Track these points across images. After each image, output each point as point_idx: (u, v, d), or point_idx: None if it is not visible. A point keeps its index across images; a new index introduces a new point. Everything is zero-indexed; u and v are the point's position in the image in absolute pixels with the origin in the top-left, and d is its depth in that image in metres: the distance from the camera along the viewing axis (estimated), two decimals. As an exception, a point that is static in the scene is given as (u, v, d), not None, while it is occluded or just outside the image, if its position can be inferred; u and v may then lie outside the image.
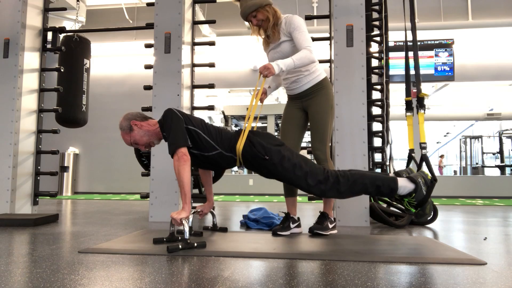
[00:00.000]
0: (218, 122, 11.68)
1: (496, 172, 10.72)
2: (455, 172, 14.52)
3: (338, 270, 1.51)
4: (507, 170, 10.38)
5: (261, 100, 2.50)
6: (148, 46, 3.48)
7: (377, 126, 3.70)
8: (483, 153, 11.17)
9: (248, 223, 2.88)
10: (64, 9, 4.00)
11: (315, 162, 2.49)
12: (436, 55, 8.11)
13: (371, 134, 3.60)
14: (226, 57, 8.59)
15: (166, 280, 1.35)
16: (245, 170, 9.75)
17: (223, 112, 10.87)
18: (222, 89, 9.87)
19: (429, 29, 7.79)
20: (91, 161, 8.83)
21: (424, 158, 2.43)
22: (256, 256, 1.77)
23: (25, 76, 3.51)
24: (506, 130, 11.41)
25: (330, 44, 3.23)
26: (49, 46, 3.83)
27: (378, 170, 3.72)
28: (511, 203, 5.87)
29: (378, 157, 3.81)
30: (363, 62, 3.04)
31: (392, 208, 3.37)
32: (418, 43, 2.75)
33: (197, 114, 3.05)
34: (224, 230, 2.52)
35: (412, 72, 2.73)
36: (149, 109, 3.36)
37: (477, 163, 11.19)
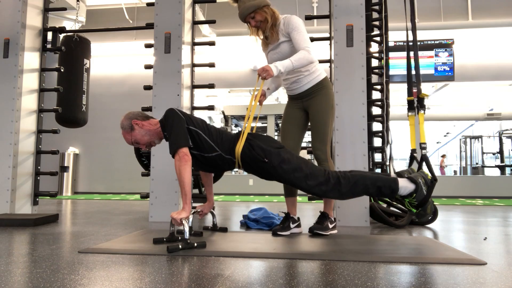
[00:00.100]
0: (218, 122, 11.68)
1: (496, 172, 10.72)
2: (455, 172, 14.52)
3: (338, 270, 1.51)
4: (507, 170, 10.38)
5: (260, 102, 2.50)
6: (148, 46, 3.48)
7: (377, 126, 3.70)
8: (483, 153, 11.17)
9: (248, 223, 2.88)
10: (64, 9, 4.01)
11: (315, 162, 2.49)
12: (436, 55, 8.11)
13: (371, 134, 3.60)
14: (226, 57, 8.59)
15: (166, 280, 1.35)
16: (245, 170, 9.73)
17: (223, 112, 10.87)
18: (222, 89, 9.87)
19: (429, 29, 7.79)
20: (91, 161, 8.83)
21: (424, 158, 2.43)
22: (256, 256, 1.77)
23: (25, 76, 3.51)
24: (506, 130, 11.41)
25: (330, 44, 3.23)
26: (49, 46, 3.83)
27: (378, 170, 3.72)
28: (511, 203, 5.87)
29: (378, 157, 3.81)
30: (363, 62, 3.04)
31: (392, 208, 3.37)
32: (418, 43, 2.75)
33: (197, 114, 3.06)
34: (224, 230, 2.52)
35: (413, 72, 2.74)
36: (149, 109, 3.36)
37: (477, 163, 11.19)
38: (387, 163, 3.57)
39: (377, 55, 3.70)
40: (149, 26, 3.45)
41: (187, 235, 1.91)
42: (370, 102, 3.58)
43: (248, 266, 1.58)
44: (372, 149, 3.58)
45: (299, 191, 2.49)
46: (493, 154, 11.30)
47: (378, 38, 3.69)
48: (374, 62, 3.77)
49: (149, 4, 3.58)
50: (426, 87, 9.05)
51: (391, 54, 3.88)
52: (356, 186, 2.04)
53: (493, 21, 7.76)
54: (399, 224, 2.88)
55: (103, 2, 8.69)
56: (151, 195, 3.20)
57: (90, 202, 5.91)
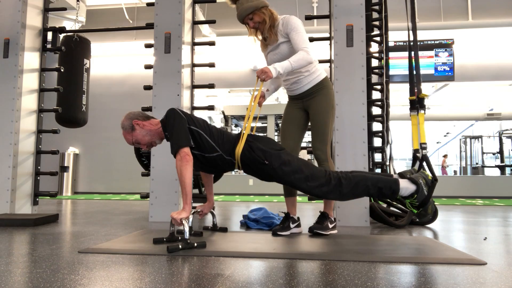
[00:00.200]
0: (218, 122, 11.69)
1: (496, 172, 10.72)
2: (455, 172, 14.52)
3: (338, 270, 1.51)
4: (507, 170, 10.38)
5: (259, 104, 2.49)
6: (148, 46, 3.48)
7: (377, 126, 3.70)
8: (483, 153, 11.18)
9: (248, 223, 2.88)
10: (64, 9, 4.01)
11: (315, 162, 2.49)
12: (436, 55, 8.11)
13: (371, 134, 3.60)
14: (226, 57, 8.60)
15: (166, 280, 1.35)
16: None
17: (223, 112, 10.87)
18: (222, 89, 9.88)
19: (429, 29, 7.79)
20: (91, 161, 8.83)
21: (425, 158, 2.43)
22: (256, 256, 1.77)
23: (25, 76, 3.51)
24: (506, 130, 11.41)
25: (330, 44, 3.23)
26: (49, 46, 3.83)
27: (378, 170, 3.72)
28: (511, 203, 5.87)
29: (378, 157, 3.82)
30: (363, 62, 3.04)
31: (392, 208, 3.37)
32: (418, 43, 2.75)
33: (197, 114, 3.05)
34: (224, 230, 2.52)
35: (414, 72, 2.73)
36: (149, 109, 3.36)
37: (477, 163, 11.19)
38: (387, 163, 3.57)
39: (377, 55, 3.70)
40: (149, 26, 3.45)
41: (187, 235, 1.91)
42: (370, 102, 3.58)
43: (248, 266, 1.58)
44: (372, 149, 3.58)
45: (299, 191, 2.49)
46: (493, 154, 11.31)
47: (378, 38, 3.69)
48: (374, 62, 3.77)
49: (149, 4, 3.58)
50: (426, 87, 9.06)
51: (391, 54, 3.88)
52: (357, 187, 2.03)
53: (493, 21, 7.76)
54: (399, 224, 2.88)
55: (103, 2, 8.70)
56: (151, 195, 3.20)
57: (90, 202, 5.91)
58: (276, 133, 10.50)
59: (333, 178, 2.04)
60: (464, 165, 11.73)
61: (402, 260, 1.68)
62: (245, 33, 2.53)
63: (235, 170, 2.27)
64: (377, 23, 3.75)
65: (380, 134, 3.60)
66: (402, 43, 7.98)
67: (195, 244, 1.90)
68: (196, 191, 3.99)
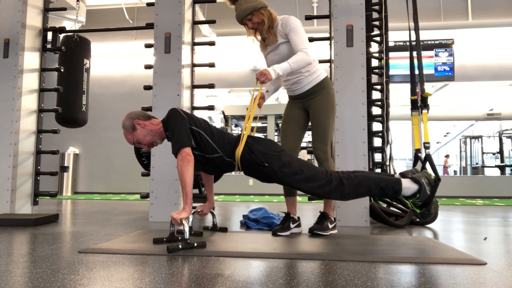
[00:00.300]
0: (218, 122, 11.68)
1: (496, 172, 10.72)
2: (455, 172, 14.52)
3: (338, 270, 1.51)
4: (507, 170, 10.38)
5: (259, 105, 2.49)
6: (148, 46, 3.48)
7: (377, 126, 3.70)
8: (483, 153, 11.17)
9: (248, 223, 2.88)
10: (64, 9, 4.01)
11: (316, 162, 2.49)
12: (436, 55, 8.11)
13: (371, 134, 3.60)
14: (226, 57, 8.60)
15: (166, 280, 1.35)
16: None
17: (223, 112, 10.87)
18: (222, 89, 9.88)
19: (429, 29, 7.79)
20: (91, 161, 8.83)
21: (428, 158, 2.42)
22: (256, 256, 1.77)
23: (25, 76, 3.51)
24: (506, 130, 11.41)
25: (330, 44, 3.23)
26: (49, 46, 3.83)
27: (378, 170, 3.72)
28: (511, 203, 5.87)
29: (378, 157, 3.82)
30: (363, 62, 3.04)
31: (392, 208, 3.37)
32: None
33: (197, 114, 3.05)
34: (224, 230, 2.52)
35: (416, 72, 2.73)
36: (149, 109, 3.36)
37: (477, 163, 11.19)
38: (387, 163, 3.57)
39: (377, 55, 3.70)
40: (149, 26, 3.45)
41: (187, 235, 1.91)
42: (370, 102, 3.58)
43: (248, 266, 1.58)
44: (372, 149, 3.58)
45: (299, 191, 2.49)
46: (493, 154, 11.30)
47: (378, 38, 3.69)
48: (374, 62, 3.77)
49: (149, 4, 3.58)
50: (426, 87, 9.03)
51: (391, 54, 3.88)
52: (359, 187, 2.03)
53: (493, 21, 7.77)
54: (399, 224, 2.88)
55: (103, 2, 8.70)
56: (151, 195, 3.20)
57: (90, 202, 5.91)
58: (276, 133, 10.50)
59: (335, 178, 2.03)
60: (464, 165, 11.73)
61: (402, 260, 1.68)
62: (245, 33, 2.53)
63: (235, 171, 2.27)
64: (377, 23, 3.75)
65: (380, 134, 3.60)
66: (402, 43, 7.98)
67: (195, 244, 1.89)
68: (196, 191, 3.99)
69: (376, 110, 3.73)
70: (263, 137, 2.48)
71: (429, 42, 8.14)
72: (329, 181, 2.02)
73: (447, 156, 13.98)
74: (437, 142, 16.94)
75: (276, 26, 2.42)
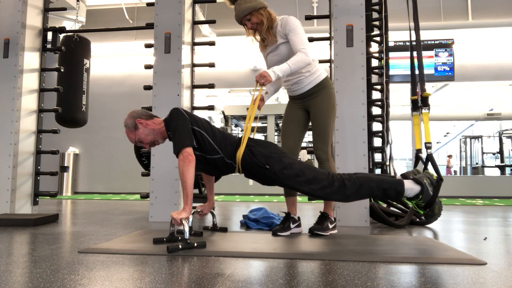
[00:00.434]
0: (218, 122, 11.68)
1: (496, 172, 10.72)
2: (455, 172, 14.52)
3: (338, 270, 1.51)
4: (507, 170, 10.38)
5: (259, 107, 2.49)
6: (148, 46, 3.48)
7: (377, 126, 3.70)
8: (483, 153, 11.17)
9: (248, 223, 2.88)
10: (64, 9, 4.01)
11: (316, 163, 2.48)
12: (436, 55, 8.11)
13: (371, 134, 3.60)
14: (226, 57, 8.59)
15: (166, 280, 1.35)
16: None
17: (223, 112, 10.87)
18: (222, 89, 9.87)
19: (429, 29, 7.79)
20: (91, 161, 8.83)
21: (430, 158, 2.41)
22: (256, 256, 1.77)
23: (25, 76, 3.51)
24: (506, 130, 11.40)
25: (330, 44, 3.23)
26: (49, 46, 3.83)
27: (378, 170, 3.72)
28: (511, 203, 5.87)
29: (378, 157, 3.81)
30: (363, 62, 3.04)
31: (392, 208, 3.37)
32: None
33: (197, 114, 3.04)
34: (224, 230, 2.52)
35: (416, 72, 2.72)
36: (149, 109, 3.35)
37: (477, 163, 11.19)
38: (387, 163, 3.57)
39: (377, 55, 3.70)
40: (149, 26, 3.45)
41: (187, 235, 1.91)
42: (370, 102, 3.58)
43: (248, 266, 1.58)
44: (372, 149, 3.58)
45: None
46: (493, 154, 11.30)
47: (378, 38, 3.69)
48: (374, 62, 3.77)
49: (149, 4, 3.58)
50: (426, 87, 9.05)
51: (391, 54, 3.88)
52: (362, 189, 2.02)
53: (493, 21, 7.76)
54: (399, 224, 2.88)
55: (103, 2, 8.69)
56: (151, 195, 3.20)
57: (90, 202, 5.91)
58: (276, 133, 10.50)
59: (336, 180, 2.03)
60: (464, 165, 11.73)
61: (402, 260, 1.68)
62: (245, 33, 2.53)
63: (235, 174, 2.26)
64: (377, 23, 3.75)
65: (380, 134, 3.60)
66: (402, 43, 7.98)
67: (195, 244, 1.89)
68: (196, 191, 3.99)
69: (376, 110, 3.73)
70: (263, 137, 2.47)
71: (429, 42, 8.14)
72: (330, 183, 2.02)
73: (449, 156, 13.97)
74: (437, 142, 16.94)
75: (276, 26, 2.41)
